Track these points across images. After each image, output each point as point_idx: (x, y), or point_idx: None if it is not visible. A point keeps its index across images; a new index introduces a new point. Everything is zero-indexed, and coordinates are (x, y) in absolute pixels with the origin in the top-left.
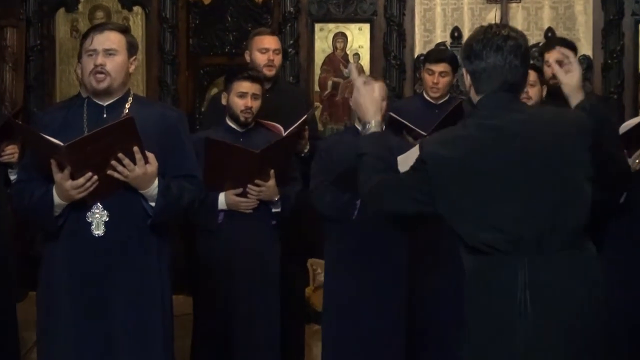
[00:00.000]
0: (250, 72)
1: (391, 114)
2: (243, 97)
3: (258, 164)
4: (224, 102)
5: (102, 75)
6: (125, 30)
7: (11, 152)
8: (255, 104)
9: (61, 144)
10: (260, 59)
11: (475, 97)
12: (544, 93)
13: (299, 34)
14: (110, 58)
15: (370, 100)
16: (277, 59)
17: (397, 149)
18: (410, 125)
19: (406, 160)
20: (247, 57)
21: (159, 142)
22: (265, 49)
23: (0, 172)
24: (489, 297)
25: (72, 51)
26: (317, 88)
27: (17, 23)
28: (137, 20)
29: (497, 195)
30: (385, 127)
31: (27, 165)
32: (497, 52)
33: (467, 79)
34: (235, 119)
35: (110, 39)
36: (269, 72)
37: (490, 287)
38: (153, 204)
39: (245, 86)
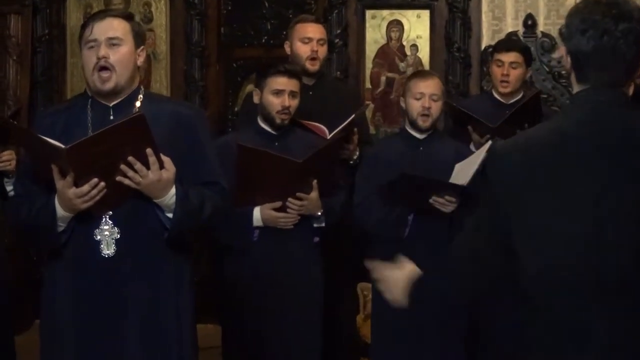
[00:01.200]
0: (287, 66)
1: (453, 104)
2: (279, 95)
3: (299, 175)
4: (256, 100)
5: (107, 74)
6: (129, 17)
7: (7, 158)
8: (293, 103)
9: (62, 146)
10: (303, 50)
11: (576, 86)
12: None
13: (347, 22)
14: (114, 49)
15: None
16: (322, 51)
17: (452, 156)
18: (476, 116)
19: (465, 169)
20: (287, 49)
21: (175, 143)
22: (308, 39)
23: None
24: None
25: None
26: (368, 84)
27: (22, 9)
28: (160, 7)
29: (574, 223)
30: (447, 123)
31: (24, 175)
32: (606, 35)
33: (567, 61)
34: (269, 120)
35: (113, 27)
36: (312, 66)
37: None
38: (170, 215)
39: (282, 82)
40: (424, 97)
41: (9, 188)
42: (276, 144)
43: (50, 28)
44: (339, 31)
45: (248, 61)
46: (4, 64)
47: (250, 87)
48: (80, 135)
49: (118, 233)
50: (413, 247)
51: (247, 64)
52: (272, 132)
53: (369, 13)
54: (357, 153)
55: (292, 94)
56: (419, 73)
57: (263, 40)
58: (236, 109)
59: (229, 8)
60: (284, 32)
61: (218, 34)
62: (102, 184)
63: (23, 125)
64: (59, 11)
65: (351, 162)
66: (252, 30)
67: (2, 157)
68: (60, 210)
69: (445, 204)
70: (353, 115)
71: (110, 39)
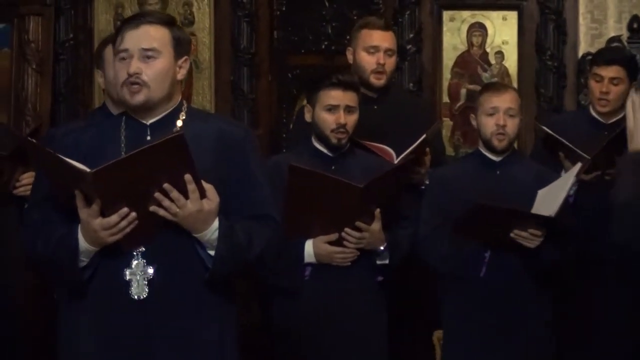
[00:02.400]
0: (341, 77)
1: (546, 128)
2: (333, 111)
3: (360, 202)
4: (307, 118)
5: (137, 86)
6: (169, 23)
7: (28, 182)
8: (351, 120)
9: (87, 170)
10: (367, 61)
11: None
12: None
13: (421, 25)
14: (149, 63)
15: None
16: (390, 63)
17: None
18: (570, 145)
19: (550, 197)
20: (350, 57)
21: (220, 169)
22: (374, 48)
23: (15, 208)
24: None
25: None
26: (445, 98)
27: (43, 10)
28: (203, 7)
29: None
30: (536, 146)
31: (41, 199)
32: None
33: None
34: (324, 140)
35: (148, 36)
36: (377, 81)
37: None
38: (212, 252)
39: (336, 96)
40: (498, 113)
41: None
42: (333, 167)
43: (75, 32)
44: (411, 35)
45: (305, 70)
46: (22, 73)
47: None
48: (112, 157)
49: (151, 273)
50: (490, 288)
51: (304, 74)
52: (328, 153)
53: (446, 14)
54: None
55: (348, 110)
56: (492, 86)
57: (323, 46)
58: (291, 126)
59: (283, 8)
60: (347, 37)
61: (270, 39)
62: (133, 214)
63: (42, 145)
64: (85, 12)
65: (422, 187)
66: (310, 35)
67: (21, 180)
68: (83, 243)
69: (529, 238)
70: (424, 135)
71: (145, 50)
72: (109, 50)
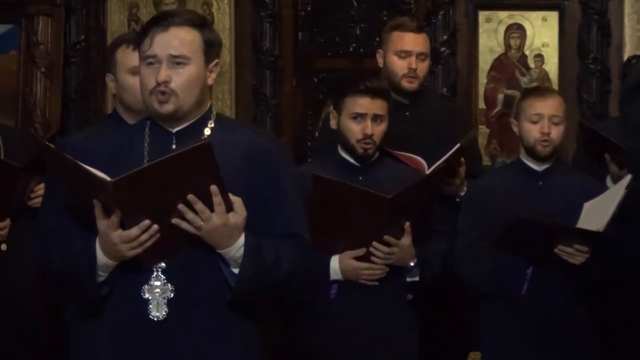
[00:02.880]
0: (370, 83)
1: (588, 124)
2: (359, 120)
3: (388, 214)
4: (333, 125)
5: (166, 96)
6: (201, 24)
7: (42, 193)
8: (378, 130)
9: (107, 178)
10: (398, 65)
11: None
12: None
13: (455, 26)
14: (178, 70)
15: None
16: (422, 67)
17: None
18: (618, 143)
19: (597, 210)
20: (380, 60)
21: (248, 182)
22: (405, 52)
23: (31, 220)
24: None
25: None
26: (481, 104)
27: (53, 10)
28: (223, 7)
29: None
30: (579, 149)
31: (56, 208)
32: None
33: None
34: (349, 149)
35: (178, 41)
36: (409, 85)
37: None
38: (236, 270)
39: (363, 104)
40: (542, 120)
41: None
42: (360, 177)
43: (86, 33)
44: (445, 37)
45: (331, 74)
46: (30, 77)
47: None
48: (134, 166)
49: (171, 291)
50: (531, 306)
51: (330, 78)
52: (355, 163)
53: (482, 15)
54: (465, 189)
55: (376, 119)
56: (535, 90)
57: (351, 49)
58: (317, 133)
59: (308, 8)
60: (376, 39)
61: (294, 41)
62: (155, 227)
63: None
64: (98, 12)
65: (457, 199)
66: (337, 36)
67: (36, 191)
68: (101, 257)
69: (574, 254)
70: (459, 144)
71: (174, 57)
72: (120, 53)
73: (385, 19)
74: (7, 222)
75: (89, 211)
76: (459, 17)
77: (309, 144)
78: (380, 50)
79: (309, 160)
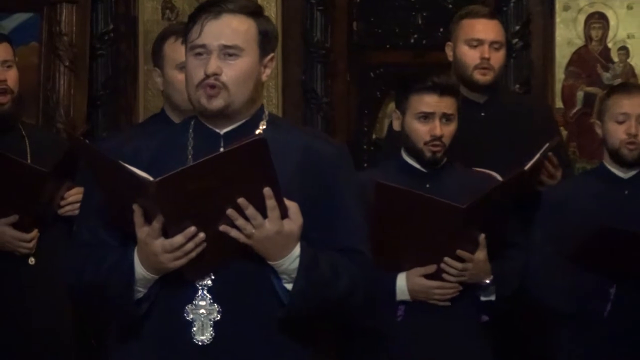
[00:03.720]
0: (437, 79)
1: None
2: (427, 119)
3: (462, 226)
4: (396, 126)
5: (215, 90)
6: (256, 12)
7: (75, 199)
8: (448, 131)
9: (150, 178)
10: (469, 56)
11: None
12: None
13: (529, 15)
14: (230, 62)
15: None
16: (497, 58)
17: None
18: None
19: None
20: (449, 53)
21: (305, 188)
22: (477, 41)
23: (61, 231)
24: None
25: None
26: (558, 103)
27: None
28: None
29: None
30: None
31: (92, 216)
32: None
33: None
34: (416, 154)
35: (231, 30)
36: (482, 77)
37: None
38: (289, 285)
39: (430, 102)
40: (630, 120)
41: None
42: (427, 185)
43: (115, 22)
44: (517, 28)
45: (390, 69)
46: (52, 72)
47: (392, 106)
48: (176, 168)
49: (218, 312)
50: (615, 329)
51: (388, 73)
52: (421, 169)
53: (559, 3)
54: None
55: (445, 118)
56: (622, 87)
57: (412, 40)
58: (374, 136)
59: None
60: (440, 29)
61: (349, 31)
62: (201, 234)
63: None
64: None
65: None
66: (397, 27)
67: (67, 198)
68: (140, 269)
69: None
70: (544, 148)
71: (226, 47)
72: (169, 46)
73: (450, 6)
74: (35, 233)
75: (127, 219)
76: (533, 5)
77: (364, 146)
78: (449, 43)
79: (365, 165)
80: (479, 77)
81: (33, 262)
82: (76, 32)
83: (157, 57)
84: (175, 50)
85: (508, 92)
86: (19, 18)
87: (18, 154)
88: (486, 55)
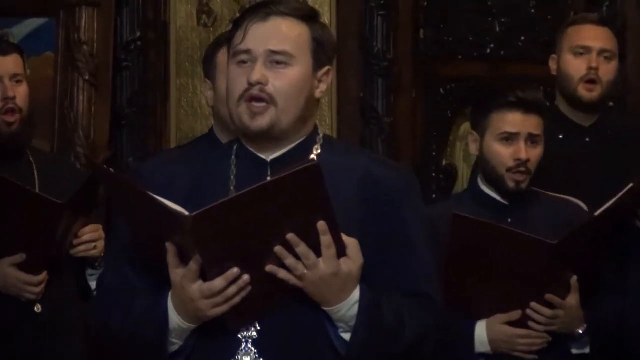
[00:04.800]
0: (522, 94)
1: None
2: (510, 141)
3: (551, 266)
4: (472, 150)
5: (261, 105)
6: (310, 17)
7: (91, 238)
8: (534, 154)
9: (185, 212)
10: (575, 66)
11: None
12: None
13: (625, 21)
14: (278, 71)
15: None
16: (607, 71)
17: None
18: None
19: None
20: (553, 67)
21: (367, 222)
22: (583, 48)
23: (74, 274)
24: None
25: (201, 51)
26: None
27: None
28: None
29: None
30: None
31: (119, 258)
32: None
33: None
34: (495, 182)
35: (281, 34)
36: (588, 93)
37: None
38: (347, 335)
39: (514, 121)
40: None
41: (94, 283)
42: (509, 220)
43: (143, 29)
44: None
45: (463, 84)
46: (70, 87)
47: (466, 126)
48: (216, 201)
49: None
50: None
51: (461, 89)
52: (502, 200)
53: None
54: None
55: (531, 140)
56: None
57: (488, 50)
58: (444, 161)
59: None
60: (521, 37)
61: (414, 40)
62: (246, 277)
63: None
64: (158, 2)
65: None
66: (471, 34)
67: (81, 236)
68: (175, 318)
69: None
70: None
71: (274, 53)
72: (223, 54)
73: (533, 11)
74: (44, 276)
75: (160, 259)
76: (629, 10)
77: (433, 174)
78: (553, 56)
79: (433, 197)
80: (584, 92)
81: (40, 310)
82: (98, 40)
83: (209, 67)
84: None
85: (618, 113)
86: (31, 24)
87: (24, 183)
88: (594, 65)
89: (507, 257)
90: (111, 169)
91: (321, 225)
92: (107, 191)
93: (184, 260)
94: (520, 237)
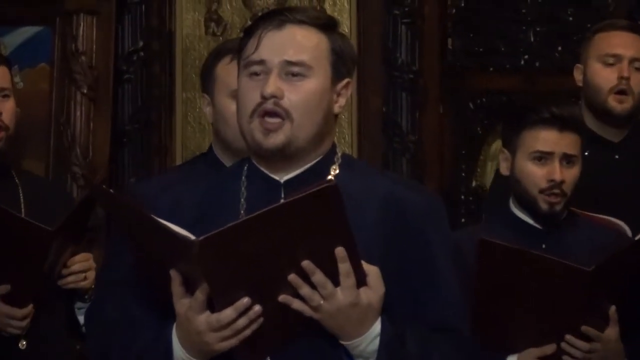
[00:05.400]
0: (557, 110)
1: None
2: (543, 161)
3: (587, 295)
4: (503, 170)
5: (275, 120)
6: (328, 25)
7: (80, 268)
8: (570, 175)
9: (191, 237)
10: (603, 76)
11: None
12: None
13: None
14: (294, 83)
15: None
16: (639, 80)
17: None
18: None
19: None
20: (579, 78)
21: (389, 249)
22: (614, 57)
23: (62, 307)
24: None
25: None
26: None
27: (100, 5)
28: (340, 0)
29: None
30: None
31: (117, 285)
32: None
33: None
34: (528, 204)
35: (296, 43)
36: (619, 105)
37: None
38: None
39: (548, 139)
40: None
41: (82, 317)
42: (543, 245)
43: (147, 38)
44: None
45: (495, 98)
46: (66, 101)
47: (497, 144)
48: (225, 225)
49: None
50: None
51: (493, 104)
52: (535, 225)
53: None
54: None
55: (567, 160)
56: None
57: (522, 62)
58: (474, 183)
59: (461, 4)
60: (558, 48)
61: (442, 51)
62: (257, 307)
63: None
64: (162, 8)
65: None
66: (503, 45)
67: (70, 265)
68: (180, 352)
69: None
70: None
71: (290, 64)
72: (223, 68)
73: (570, 18)
74: (30, 309)
75: (163, 288)
76: None
77: (462, 197)
78: (578, 65)
79: (462, 221)
80: (614, 104)
81: (24, 347)
82: (97, 50)
83: (207, 80)
84: (230, 73)
85: None
86: (24, 33)
87: (9, 207)
88: (625, 74)
89: (539, 285)
90: (110, 190)
91: (339, 251)
92: (107, 214)
93: (189, 289)
94: (552, 264)
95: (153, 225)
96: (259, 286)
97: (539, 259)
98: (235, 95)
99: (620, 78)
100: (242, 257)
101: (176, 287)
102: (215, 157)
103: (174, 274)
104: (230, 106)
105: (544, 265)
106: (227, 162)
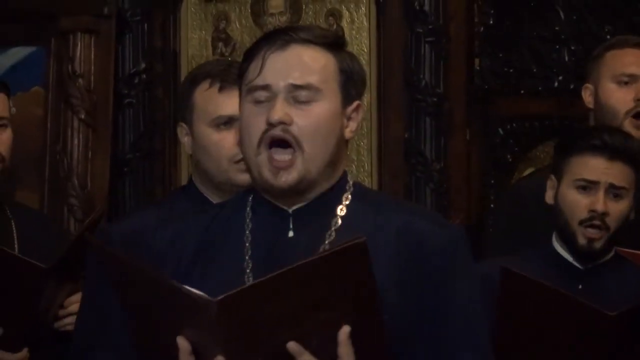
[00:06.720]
0: (608, 138)
1: None
2: (588, 190)
3: (612, 340)
4: (549, 199)
5: (285, 157)
6: (336, 45)
7: (75, 310)
8: (616, 209)
9: (206, 296)
10: (618, 97)
11: None
12: None
13: None
14: (302, 108)
15: None
16: None
17: None
18: None
19: None
20: (588, 99)
21: (403, 287)
22: (628, 77)
23: (58, 351)
24: None
25: None
26: None
27: (99, 24)
28: (359, 18)
29: None
30: None
31: (109, 341)
32: None
33: None
34: (568, 237)
35: (303, 64)
36: (638, 132)
37: None
38: None
39: (595, 167)
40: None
41: None
42: (580, 286)
43: (150, 59)
44: None
45: (527, 124)
46: (63, 128)
47: (529, 171)
48: (229, 274)
49: None
50: None
51: (524, 129)
52: (575, 263)
53: None
54: None
55: (613, 192)
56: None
57: (555, 84)
58: (493, 208)
59: (490, 21)
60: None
61: (468, 72)
62: None
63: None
64: (167, 27)
65: None
66: (534, 65)
67: (68, 306)
68: None
69: None
70: None
71: (297, 88)
72: (201, 93)
73: (608, 37)
74: (24, 353)
75: (167, 356)
76: None
77: (491, 229)
78: (587, 85)
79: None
80: (631, 128)
81: None
82: (95, 72)
83: (184, 108)
84: (209, 99)
85: None
86: (17, 54)
87: (1, 243)
88: None
89: (562, 324)
90: (108, 248)
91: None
92: (106, 266)
93: (199, 357)
94: (575, 304)
95: (159, 283)
96: (280, 353)
97: (561, 296)
98: (216, 123)
99: (637, 100)
100: (262, 320)
101: (184, 356)
102: (197, 191)
103: (182, 342)
104: (211, 136)
105: (567, 304)
106: (211, 195)
